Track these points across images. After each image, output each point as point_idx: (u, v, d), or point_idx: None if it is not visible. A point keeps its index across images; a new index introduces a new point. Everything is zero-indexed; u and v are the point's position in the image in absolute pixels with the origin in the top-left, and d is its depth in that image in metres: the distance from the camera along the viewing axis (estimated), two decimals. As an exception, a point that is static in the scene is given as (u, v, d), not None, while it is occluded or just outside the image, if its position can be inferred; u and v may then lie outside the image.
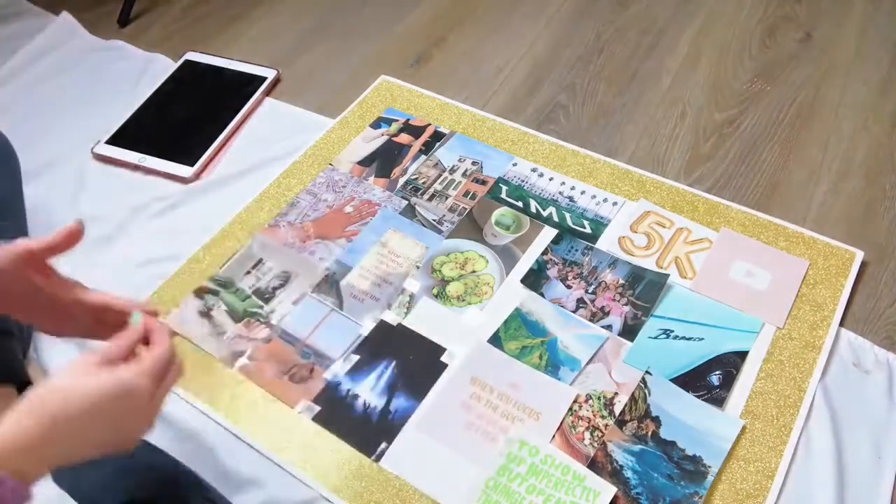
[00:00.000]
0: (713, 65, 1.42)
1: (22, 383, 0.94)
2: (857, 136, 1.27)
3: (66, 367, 0.63)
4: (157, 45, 1.56)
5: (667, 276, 1.08)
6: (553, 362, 0.98)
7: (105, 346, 0.66)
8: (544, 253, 1.12)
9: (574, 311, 1.05)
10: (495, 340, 1.02)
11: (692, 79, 1.40)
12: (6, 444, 0.57)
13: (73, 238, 0.72)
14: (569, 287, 1.08)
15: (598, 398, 0.96)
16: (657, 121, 1.33)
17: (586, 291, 1.08)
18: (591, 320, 1.04)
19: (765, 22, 1.50)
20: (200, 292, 1.11)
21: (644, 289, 1.07)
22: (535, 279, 1.09)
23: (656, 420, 0.93)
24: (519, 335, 1.02)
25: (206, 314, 1.08)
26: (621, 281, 1.08)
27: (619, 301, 1.06)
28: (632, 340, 1.02)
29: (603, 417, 0.94)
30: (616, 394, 0.96)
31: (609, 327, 1.03)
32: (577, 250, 1.12)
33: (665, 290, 1.07)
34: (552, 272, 1.10)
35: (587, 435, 0.92)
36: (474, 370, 1.00)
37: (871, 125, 1.28)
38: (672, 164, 1.25)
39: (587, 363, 0.99)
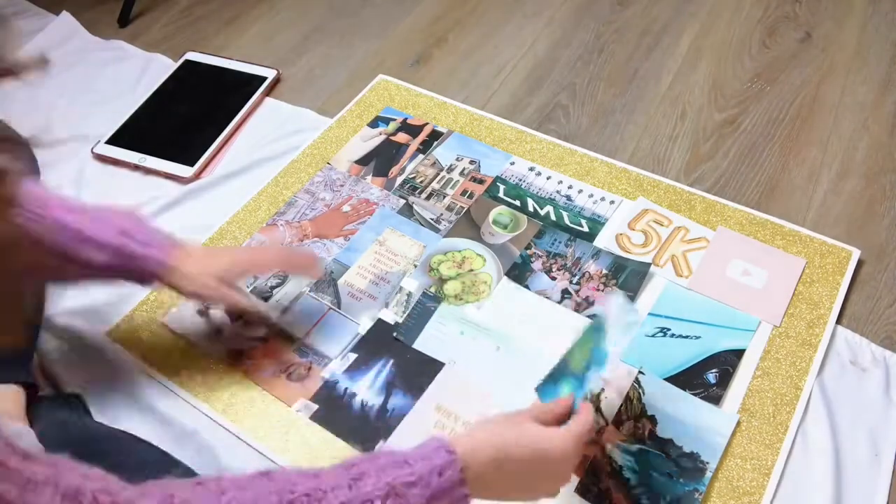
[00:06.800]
0: (713, 65, 1.42)
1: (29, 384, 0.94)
2: (857, 136, 1.26)
3: (510, 415, 0.76)
4: (157, 45, 1.56)
5: (649, 265, 1.09)
6: (587, 364, 0.86)
7: (541, 409, 0.78)
8: (527, 247, 1.13)
9: (559, 302, 1.06)
10: (566, 359, 0.88)
11: (692, 79, 1.40)
12: (472, 461, 0.68)
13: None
14: (553, 279, 1.09)
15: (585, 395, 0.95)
16: (657, 121, 1.33)
17: (570, 282, 1.08)
18: (576, 310, 1.04)
19: (765, 22, 1.50)
20: (198, 291, 1.11)
21: (627, 278, 1.08)
22: (519, 272, 1.10)
23: (652, 419, 0.93)
24: (586, 346, 0.89)
25: (203, 313, 1.08)
26: (604, 271, 1.09)
27: (602, 291, 1.07)
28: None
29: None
30: (603, 389, 0.95)
31: (593, 317, 1.03)
32: (560, 242, 1.13)
33: (647, 279, 1.07)
34: (536, 265, 1.10)
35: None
36: (440, 398, 0.98)
37: (871, 125, 1.28)
38: (672, 164, 1.25)
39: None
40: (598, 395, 0.95)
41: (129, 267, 0.89)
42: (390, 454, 0.67)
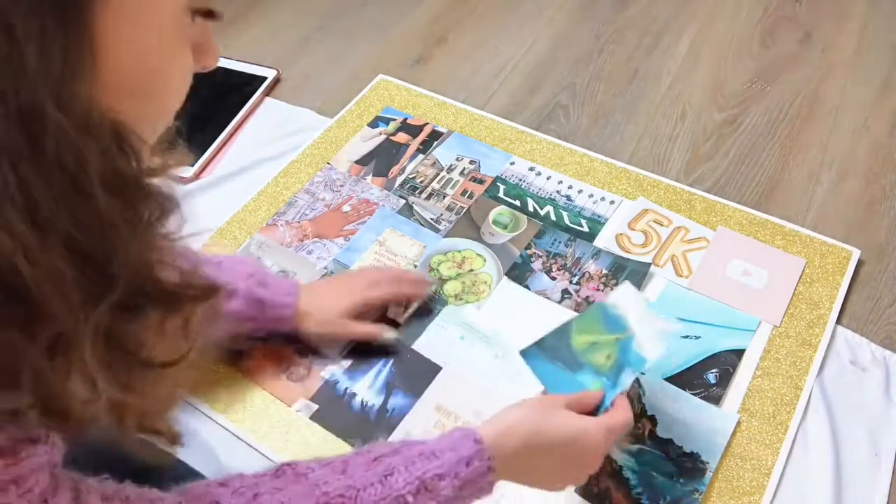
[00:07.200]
0: (713, 65, 1.42)
1: None
2: (857, 136, 1.26)
3: (539, 400, 0.77)
4: (158, 46, 1.56)
5: (649, 265, 1.09)
6: (619, 363, 0.89)
7: (574, 397, 0.79)
8: (527, 247, 1.13)
9: (559, 302, 1.06)
10: (564, 330, 0.90)
11: (692, 79, 1.40)
12: (498, 448, 0.70)
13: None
14: (553, 279, 1.09)
15: None
16: (657, 121, 1.33)
17: (570, 282, 1.08)
18: (576, 310, 1.05)
19: (765, 22, 1.50)
20: (198, 291, 1.11)
21: (627, 278, 1.08)
22: (519, 272, 1.10)
23: (652, 419, 0.93)
24: (594, 329, 0.92)
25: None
26: (604, 271, 1.09)
27: (602, 291, 1.07)
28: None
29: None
30: None
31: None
32: (560, 242, 1.13)
33: (647, 279, 1.08)
34: (536, 265, 1.10)
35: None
36: (440, 398, 0.98)
37: (871, 125, 1.28)
38: (672, 164, 1.25)
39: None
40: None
41: (260, 314, 0.93)
42: (416, 444, 0.69)
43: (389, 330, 1.00)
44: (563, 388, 0.83)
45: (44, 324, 0.38)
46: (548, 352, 0.88)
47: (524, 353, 0.87)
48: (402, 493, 0.64)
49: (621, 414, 0.79)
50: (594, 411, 0.81)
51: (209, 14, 0.48)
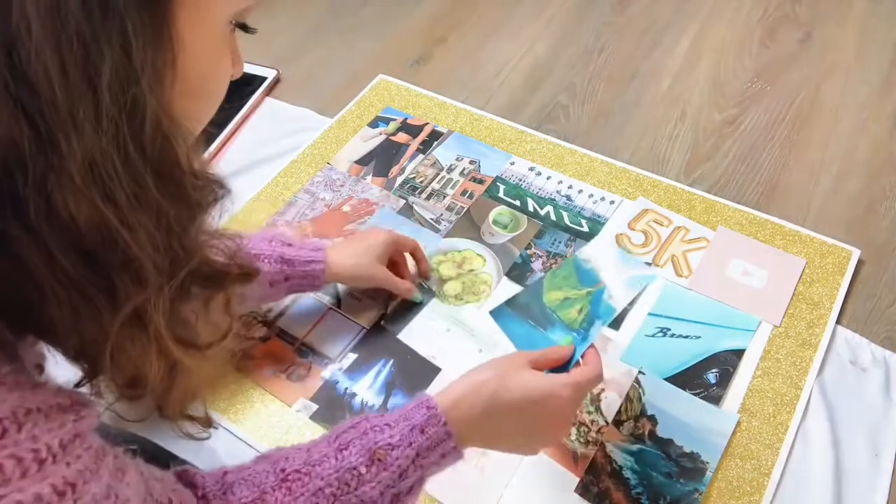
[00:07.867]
0: (713, 65, 1.42)
1: None
2: (857, 136, 1.26)
3: (502, 360, 0.75)
4: (158, 46, 1.56)
5: (648, 264, 1.09)
6: (590, 317, 0.91)
7: (540, 353, 0.77)
8: (527, 247, 1.13)
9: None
10: (536, 287, 0.92)
11: (692, 79, 1.40)
12: (457, 412, 0.69)
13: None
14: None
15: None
16: (657, 121, 1.33)
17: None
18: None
19: (765, 22, 1.50)
20: (198, 291, 1.11)
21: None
22: (520, 272, 1.10)
23: (652, 419, 0.93)
24: (565, 285, 0.94)
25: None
26: None
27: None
28: (617, 329, 1.01)
29: (589, 413, 0.94)
30: (602, 389, 0.96)
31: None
32: (560, 242, 1.13)
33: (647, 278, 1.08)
34: (536, 265, 1.10)
35: (574, 431, 0.92)
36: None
37: (871, 125, 1.28)
38: (672, 164, 1.25)
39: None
40: (598, 395, 0.95)
41: (291, 272, 0.94)
42: (374, 418, 0.69)
43: (418, 290, 1.03)
44: (535, 347, 0.82)
45: (131, 292, 0.43)
46: (518, 310, 0.88)
47: (494, 313, 0.87)
48: (355, 465, 0.64)
49: (590, 369, 0.77)
50: (564, 367, 0.79)
51: (245, 27, 0.53)
